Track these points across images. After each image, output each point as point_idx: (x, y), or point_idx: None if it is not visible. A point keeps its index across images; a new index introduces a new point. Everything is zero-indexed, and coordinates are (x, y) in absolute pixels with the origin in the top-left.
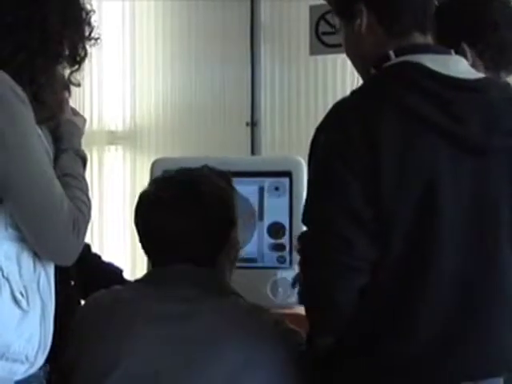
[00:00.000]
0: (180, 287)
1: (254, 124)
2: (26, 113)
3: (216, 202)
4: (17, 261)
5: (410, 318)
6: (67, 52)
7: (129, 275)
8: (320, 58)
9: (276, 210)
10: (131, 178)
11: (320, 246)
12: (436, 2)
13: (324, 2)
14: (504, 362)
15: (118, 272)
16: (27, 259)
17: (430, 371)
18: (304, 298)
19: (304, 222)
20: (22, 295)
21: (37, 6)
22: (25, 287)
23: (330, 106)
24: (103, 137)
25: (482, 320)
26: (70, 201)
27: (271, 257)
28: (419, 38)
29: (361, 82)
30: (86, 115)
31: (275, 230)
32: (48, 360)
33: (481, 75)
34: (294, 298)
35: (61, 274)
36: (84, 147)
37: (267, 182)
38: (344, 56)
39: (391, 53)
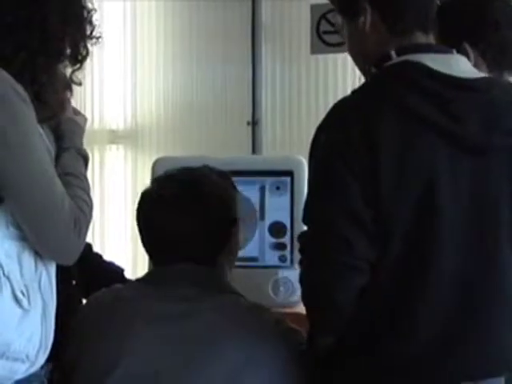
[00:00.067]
0: (180, 286)
1: (255, 123)
2: (28, 112)
3: (217, 202)
4: (18, 260)
5: (409, 318)
6: (69, 51)
7: (130, 274)
8: (321, 57)
9: (277, 209)
10: (132, 177)
11: (320, 246)
12: (438, 2)
13: (325, 1)
14: (504, 362)
15: (119, 271)
16: (28, 258)
17: (430, 371)
18: (304, 297)
19: (304, 221)
20: (23, 294)
21: (37, 5)
22: (26, 286)
23: (330, 105)
24: (104, 136)
25: (482, 320)
26: (72, 200)
27: (272, 256)
28: (421, 38)
29: (361, 81)
30: (88, 114)
31: (276, 229)
32: (49, 359)
33: (482, 74)
34: (296, 297)
35: (62, 274)
36: (85, 146)
37: (268, 181)
38: (345, 55)
39: (392, 52)
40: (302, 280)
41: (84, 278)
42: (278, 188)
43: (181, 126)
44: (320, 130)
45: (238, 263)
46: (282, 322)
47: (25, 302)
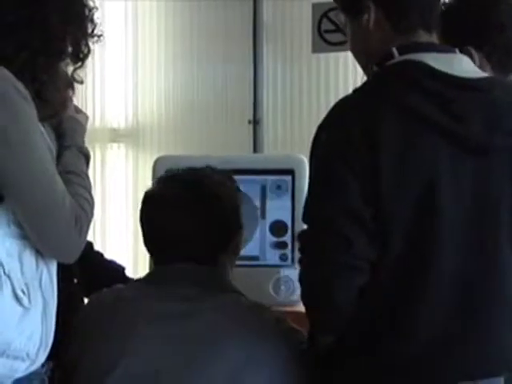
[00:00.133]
0: (180, 286)
1: (256, 122)
2: (29, 110)
3: (219, 202)
4: (19, 258)
5: (410, 318)
6: (70, 49)
7: (131, 273)
8: (322, 56)
9: (278, 208)
10: (133, 176)
11: (319, 245)
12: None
13: (326, 0)
14: (504, 362)
15: (120, 270)
16: (29, 257)
17: (430, 371)
18: (304, 296)
19: (304, 220)
20: (24, 293)
21: (38, 5)
22: (26, 285)
23: (332, 104)
24: (105, 134)
25: (482, 320)
26: (73, 198)
27: (273, 255)
28: (424, 36)
29: (363, 80)
30: (89, 112)
31: (277, 228)
32: (50, 357)
33: (485, 74)
34: (296, 296)
35: (64, 272)
36: (86, 145)
37: (269, 180)
38: (346, 54)
39: (394, 50)
40: (301, 279)
41: (85, 276)
42: (279, 187)
43: (182, 124)
44: (321, 128)
45: (238, 262)
46: (283, 321)
47: (25, 301)
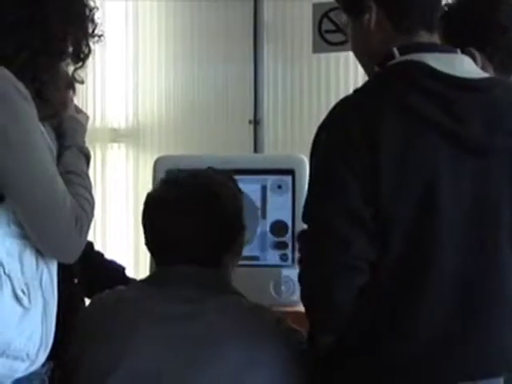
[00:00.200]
0: (183, 288)
1: (256, 122)
2: (29, 110)
3: (221, 203)
4: (19, 258)
5: (410, 318)
6: (71, 49)
7: (131, 273)
8: (323, 56)
9: (279, 208)
10: (134, 176)
11: (319, 245)
12: (444, 5)
13: (327, 0)
14: (504, 362)
15: (120, 270)
16: (30, 257)
17: (430, 371)
18: (303, 297)
19: (304, 220)
20: (24, 293)
21: (38, 5)
22: (26, 285)
23: (332, 104)
24: (106, 134)
25: (482, 320)
26: (73, 198)
27: (274, 255)
28: (425, 37)
29: (363, 80)
30: (89, 113)
31: (278, 228)
32: (51, 357)
33: (486, 75)
34: (297, 296)
35: (64, 272)
36: (87, 145)
37: (270, 180)
38: (347, 54)
39: (395, 51)
40: (300, 279)
41: (86, 276)
42: (279, 187)
43: (182, 124)
44: (321, 128)
45: (239, 262)
46: (283, 322)
47: (25, 301)
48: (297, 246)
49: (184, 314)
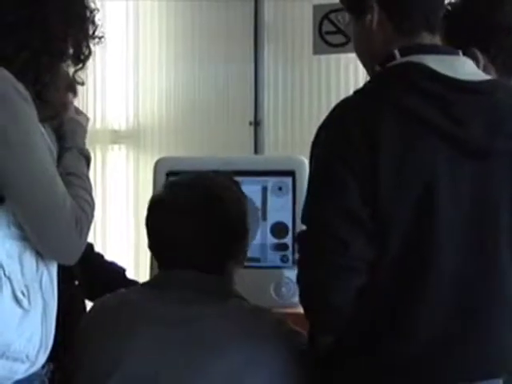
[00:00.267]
0: (185, 292)
1: (257, 123)
2: (29, 111)
3: (226, 207)
4: (19, 260)
5: (410, 318)
6: (71, 50)
7: (132, 274)
8: (323, 57)
9: (279, 209)
10: (134, 177)
11: (317, 246)
12: (447, 6)
13: (327, 2)
14: (504, 363)
15: (120, 271)
16: (30, 258)
17: (429, 371)
18: (301, 297)
19: (303, 221)
20: (24, 294)
21: (38, 5)
22: (26, 286)
23: (333, 105)
24: (106, 136)
25: (481, 320)
26: (73, 199)
27: (274, 256)
28: (427, 38)
29: (364, 81)
30: (90, 114)
31: (278, 229)
32: (51, 359)
33: (487, 77)
34: (297, 297)
35: (64, 274)
36: (87, 146)
37: (270, 181)
38: (347, 55)
39: (396, 52)
40: (298, 280)
41: (86, 278)
42: (279, 188)
43: (183, 126)
44: (321, 128)
45: None
46: (284, 323)
47: (25, 302)
48: (296, 247)
49: (184, 316)
